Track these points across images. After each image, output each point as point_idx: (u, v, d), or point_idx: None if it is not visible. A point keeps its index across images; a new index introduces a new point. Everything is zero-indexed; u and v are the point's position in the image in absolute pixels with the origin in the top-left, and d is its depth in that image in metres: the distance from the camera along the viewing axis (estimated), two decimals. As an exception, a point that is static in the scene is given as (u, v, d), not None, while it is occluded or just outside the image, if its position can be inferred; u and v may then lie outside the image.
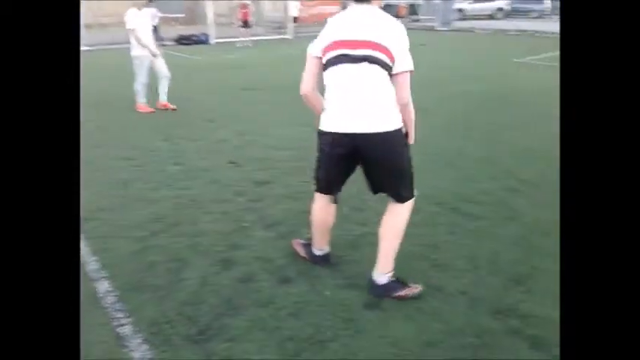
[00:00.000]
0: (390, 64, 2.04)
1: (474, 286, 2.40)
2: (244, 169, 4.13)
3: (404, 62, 2.06)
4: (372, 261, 2.34)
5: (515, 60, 10.71)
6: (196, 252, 2.73)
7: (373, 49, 2.00)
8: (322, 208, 2.42)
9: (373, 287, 2.30)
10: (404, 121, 2.16)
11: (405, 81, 2.08)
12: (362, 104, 2.06)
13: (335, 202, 2.41)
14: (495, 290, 2.37)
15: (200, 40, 15.83)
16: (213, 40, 15.96)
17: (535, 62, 10.44)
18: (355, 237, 2.86)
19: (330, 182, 2.32)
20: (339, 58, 2.05)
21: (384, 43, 2.01)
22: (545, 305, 2.26)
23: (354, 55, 2.02)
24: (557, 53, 11.65)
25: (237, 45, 14.91)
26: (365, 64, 2.01)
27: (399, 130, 2.12)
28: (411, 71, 2.09)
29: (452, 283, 2.42)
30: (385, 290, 2.28)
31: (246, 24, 15.23)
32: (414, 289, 2.31)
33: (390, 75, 2.07)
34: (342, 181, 2.33)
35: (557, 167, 3.63)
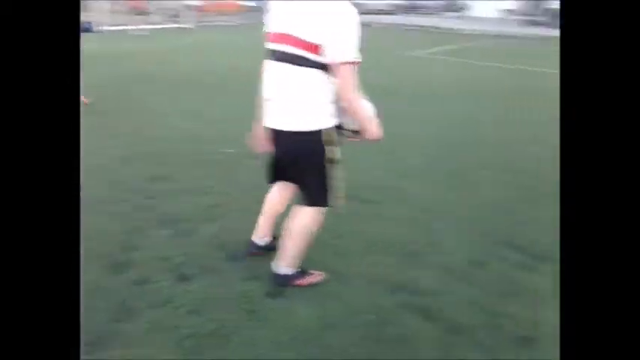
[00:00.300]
0: (315, 58, 1.90)
1: (371, 267, 2.53)
2: (139, 164, 3.91)
3: (339, 53, 1.87)
4: (274, 251, 2.36)
5: (408, 53, 11.33)
6: (87, 257, 2.53)
7: (289, 44, 1.92)
8: (274, 199, 2.41)
9: (275, 277, 2.32)
10: (357, 117, 2.02)
11: (343, 74, 1.89)
12: (278, 101, 2.03)
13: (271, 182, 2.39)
14: (391, 269, 2.51)
15: (85, 29, 14.59)
16: (104, 28, 14.83)
17: (427, 56, 11.14)
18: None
19: (273, 174, 2.33)
20: (266, 52, 2.05)
21: (304, 35, 1.88)
22: (435, 278, 2.46)
23: (273, 50, 2.00)
24: (448, 47, 12.50)
25: (132, 33, 14.01)
26: (280, 62, 1.97)
27: (314, 132, 2.00)
28: (354, 62, 1.90)
29: (352, 266, 2.53)
30: (287, 279, 2.31)
31: (140, 11, 14.37)
32: (317, 276, 2.36)
33: (325, 67, 1.93)
34: (283, 176, 2.29)
35: (445, 153, 3.89)
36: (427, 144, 4.66)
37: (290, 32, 1.92)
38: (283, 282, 2.31)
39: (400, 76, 8.42)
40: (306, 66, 1.91)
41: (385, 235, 2.86)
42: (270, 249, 2.49)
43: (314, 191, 2.16)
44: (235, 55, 9.75)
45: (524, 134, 5.24)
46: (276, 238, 2.53)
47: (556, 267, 2.62)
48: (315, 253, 2.53)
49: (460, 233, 2.94)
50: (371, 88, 2.29)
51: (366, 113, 2.03)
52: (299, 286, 2.31)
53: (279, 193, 2.41)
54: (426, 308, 2.23)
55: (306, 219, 2.20)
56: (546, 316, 2.22)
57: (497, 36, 16.38)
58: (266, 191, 2.42)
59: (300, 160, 2.11)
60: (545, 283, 2.48)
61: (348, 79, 1.91)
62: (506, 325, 2.15)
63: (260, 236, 2.53)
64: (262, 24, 2.22)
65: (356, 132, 2.12)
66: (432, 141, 4.76)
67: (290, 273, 2.31)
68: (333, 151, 2.07)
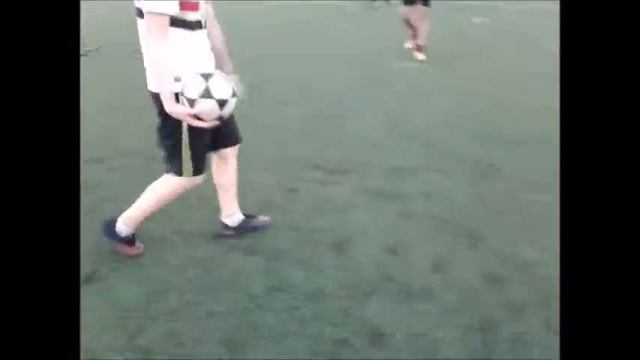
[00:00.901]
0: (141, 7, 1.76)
1: (188, 223, 2.47)
2: None
3: (146, 2, 1.72)
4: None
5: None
6: None
7: None
8: (214, 171, 2.29)
9: (104, 225, 2.19)
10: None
11: (146, 24, 1.73)
12: None
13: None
14: (208, 220, 2.48)
15: None
16: None
17: None
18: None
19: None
20: None
21: None
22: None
23: None
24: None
25: None
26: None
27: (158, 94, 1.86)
28: (158, 13, 1.71)
29: (168, 227, 2.43)
30: (114, 235, 2.18)
31: None
32: (136, 249, 2.23)
33: None
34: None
35: (244, 96, 3.82)
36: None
37: None
38: (110, 235, 2.17)
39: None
40: (142, 17, 1.77)
41: (196, 189, 2.79)
42: (245, 229, 2.36)
43: (166, 156, 2.03)
44: None
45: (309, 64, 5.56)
46: (249, 216, 2.39)
47: (353, 177, 2.94)
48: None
49: (269, 169, 3.04)
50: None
51: (165, 80, 1.80)
52: (120, 251, 2.19)
53: (215, 164, 2.28)
54: (248, 246, 2.29)
55: (163, 183, 2.09)
56: (351, 220, 2.50)
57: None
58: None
59: (158, 119, 1.96)
60: (345, 192, 2.77)
61: (147, 29, 1.74)
62: (321, 237, 2.36)
63: (227, 214, 2.35)
64: None
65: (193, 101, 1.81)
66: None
67: (123, 233, 2.17)
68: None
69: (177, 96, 1.83)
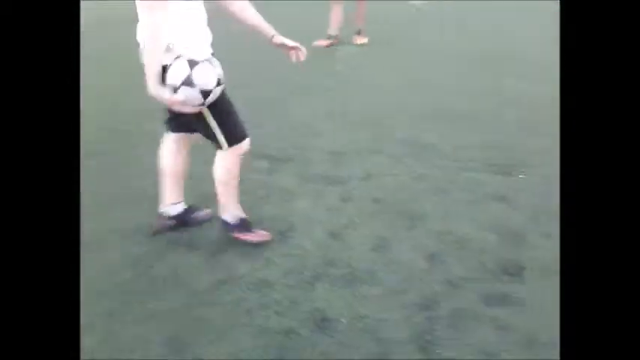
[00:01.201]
0: None
1: (124, 221, 2.37)
2: None
3: None
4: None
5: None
6: None
7: None
8: (171, 155, 2.19)
9: (224, 224, 2.21)
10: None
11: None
12: None
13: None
14: (145, 216, 2.37)
15: None
16: None
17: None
18: None
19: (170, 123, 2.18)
20: None
21: None
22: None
23: None
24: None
25: None
26: None
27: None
28: None
29: (100, 226, 2.32)
30: (228, 227, 2.21)
31: None
32: (261, 236, 2.22)
33: None
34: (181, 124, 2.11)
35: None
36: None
37: None
38: (232, 229, 2.21)
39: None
40: None
41: (130, 186, 2.68)
42: (186, 221, 2.29)
43: (211, 135, 2.00)
44: None
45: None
46: (190, 209, 2.31)
47: (296, 165, 2.92)
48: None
49: (212, 159, 2.95)
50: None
51: (151, 66, 1.76)
52: (237, 239, 2.19)
53: (170, 151, 2.18)
54: (190, 240, 2.23)
55: (217, 162, 2.08)
56: (295, 207, 2.50)
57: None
58: None
59: None
60: (289, 180, 2.76)
61: (140, 15, 1.72)
62: (265, 226, 2.33)
63: (169, 203, 2.24)
64: None
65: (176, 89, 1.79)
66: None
67: (230, 221, 2.19)
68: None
69: (165, 69, 1.78)
